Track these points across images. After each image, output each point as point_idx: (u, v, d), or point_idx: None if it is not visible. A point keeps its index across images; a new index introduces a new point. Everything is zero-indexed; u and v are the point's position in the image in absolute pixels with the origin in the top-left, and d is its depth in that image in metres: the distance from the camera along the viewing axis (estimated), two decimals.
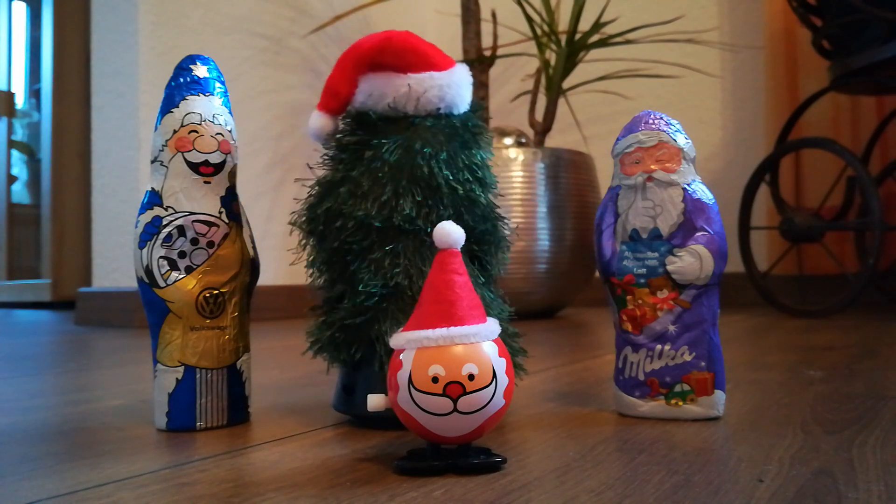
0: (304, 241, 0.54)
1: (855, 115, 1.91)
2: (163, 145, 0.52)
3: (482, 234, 0.53)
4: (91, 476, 0.41)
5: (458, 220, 0.50)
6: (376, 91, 0.52)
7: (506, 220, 0.56)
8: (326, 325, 0.52)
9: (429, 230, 0.49)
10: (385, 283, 0.49)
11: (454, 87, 0.52)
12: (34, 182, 3.09)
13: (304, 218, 0.53)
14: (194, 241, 0.52)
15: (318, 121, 0.54)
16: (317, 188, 0.53)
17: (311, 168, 0.55)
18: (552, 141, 1.97)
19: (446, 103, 0.52)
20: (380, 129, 0.52)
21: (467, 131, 0.53)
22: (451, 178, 0.51)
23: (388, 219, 0.50)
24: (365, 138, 0.52)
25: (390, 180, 0.50)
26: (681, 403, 0.52)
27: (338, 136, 0.53)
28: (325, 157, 0.54)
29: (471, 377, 0.38)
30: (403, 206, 0.49)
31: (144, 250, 0.52)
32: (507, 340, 0.52)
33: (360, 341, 0.50)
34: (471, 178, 0.52)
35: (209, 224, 0.52)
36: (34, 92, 3.18)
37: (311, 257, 0.54)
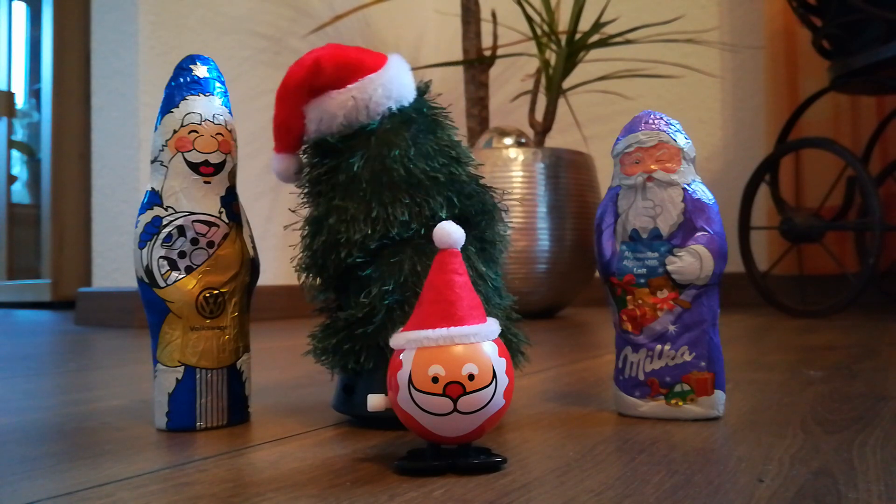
0: (309, 280, 0.53)
1: (855, 115, 1.92)
2: (163, 145, 0.52)
3: (475, 212, 0.53)
4: (91, 476, 0.41)
5: (451, 207, 0.50)
6: (325, 114, 0.51)
7: (494, 190, 0.55)
8: (332, 332, 0.52)
9: (423, 231, 0.49)
10: (394, 288, 0.49)
11: (395, 80, 0.52)
12: (34, 182, 3.09)
13: (304, 262, 0.53)
14: (194, 241, 0.52)
15: (281, 163, 0.53)
16: (306, 228, 0.53)
17: (293, 211, 0.55)
18: (552, 141, 1.97)
19: (394, 99, 0.51)
20: (341, 149, 0.51)
21: (424, 117, 0.53)
22: (427, 168, 0.50)
23: (384, 234, 0.49)
24: (332, 164, 0.51)
25: (373, 195, 0.50)
26: (681, 403, 0.52)
27: (305, 172, 0.53)
28: (303, 196, 0.54)
29: (471, 377, 0.38)
30: (395, 215, 0.49)
31: (144, 250, 0.52)
32: (509, 327, 0.52)
33: (369, 348, 0.50)
34: (446, 161, 0.51)
35: (209, 224, 0.52)
36: (34, 92, 3.18)
37: (319, 286, 0.53)
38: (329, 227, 0.51)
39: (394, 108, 0.51)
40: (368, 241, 0.49)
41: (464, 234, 0.41)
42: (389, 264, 0.49)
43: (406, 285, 0.49)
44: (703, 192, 0.53)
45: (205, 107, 0.53)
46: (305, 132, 0.52)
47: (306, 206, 0.54)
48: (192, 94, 0.53)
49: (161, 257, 0.51)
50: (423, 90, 0.54)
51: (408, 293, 0.49)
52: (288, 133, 0.52)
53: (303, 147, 0.54)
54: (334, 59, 0.51)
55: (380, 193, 0.50)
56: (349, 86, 0.51)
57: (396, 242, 0.50)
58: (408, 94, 0.52)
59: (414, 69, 0.56)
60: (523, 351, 0.55)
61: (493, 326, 0.40)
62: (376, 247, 0.50)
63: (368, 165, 0.50)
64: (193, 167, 0.52)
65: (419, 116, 0.52)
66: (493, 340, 0.40)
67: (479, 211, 0.53)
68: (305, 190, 0.54)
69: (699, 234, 0.52)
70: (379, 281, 0.49)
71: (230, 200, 0.54)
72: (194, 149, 0.52)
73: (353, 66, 0.51)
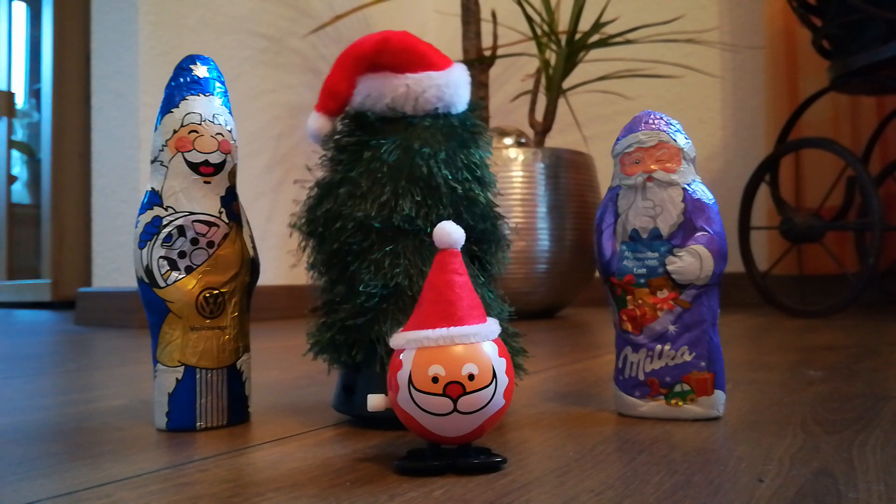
0: (303, 244, 0.54)
1: (855, 115, 1.91)
2: (163, 145, 0.52)
3: (482, 234, 0.53)
4: (91, 476, 0.41)
5: (458, 220, 0.50)
6: (374, 91, 0.52)
7: (505, 220, 0.56)
8: (326, 327, 0.52)
9: (428, 230, 0.49)
10: (385, 283, 0.49)
11: (452, 86, 0.52)
12: (34, 182, 3.09)
13: (303, 220, 0.53)
14: (194, 241, 0.52)
15: (317, 121, 0.53)
16: (315, 190, 0.53)
17: (309, 169, 0.55)
18: (552, 141, 1.97)
19: (444, 103, 0.52)
20: (378, 129, 0.51)
21: (466, 130, 0.53)
22: (449, 177, 0.51)
23: (387, 219, 0.50)
24: (363, 139, 0.52)
25: (389, 180, 0.50)
26: (681, 403, 0.52)
27: (336, 136, 0.53)
28: (324, 159, 0.54)
29: (471, 377, 0.38)
30: (403, 207, 0.49)
31: (144, 250, 0.52)
32: (507, 340, 0.52)
33: (360, 342, 0.50)
34: (469, 178, 0.52)
35: (209, 224, 0.52)
36: (34, 92, 3.18)
37: (311, 259, 0.54)
38: (338, 195, 0.51)
39: (441, 110, 0.52)
40: (369, 221, 0.49)
41: (464, 234, 0.41)
42: (385, 253, 0.49)
43: (398, 278, 0.49)
44: (703, 192, 0.53)
45: (205, 107, 0.53)
46: (351, 101, 0.53)
47: (323, 169, 0.54)
48: (192, 94, 0.53)
49: (161, 257, 0.51)
50: (473, 107, 0.55)
51: (401, 287, 0.49)
52: (334, 96, 0.53)
53: (342, 116, 0.54)
54: (403, 43, 0.52)
55: (396, 182, 0.50)
56: (408, 73, 0.51)
57: (396, 233, 0.50)
58: (458, 104, 0.53)
59: None
60: (521, 364, 0.55)
61: (493, 326, 0.40)
62: (377, 233, 0.50)
63: (396, 152, 0.50)
64: (193, 167, 0.52)
65: (461, 128, 0.53)
66: (493, 340, 0.40)
67: (485, 234, 0.53)
68: (329, 155, 0.54)
69: (699, 234, 0.52)
70: (368, 273, 0.49)
71: (230, 200, 0.54)
72: (194, 149, 0.52)
73: (418, 56, 0.52)
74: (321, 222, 0.52)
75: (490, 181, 0.54)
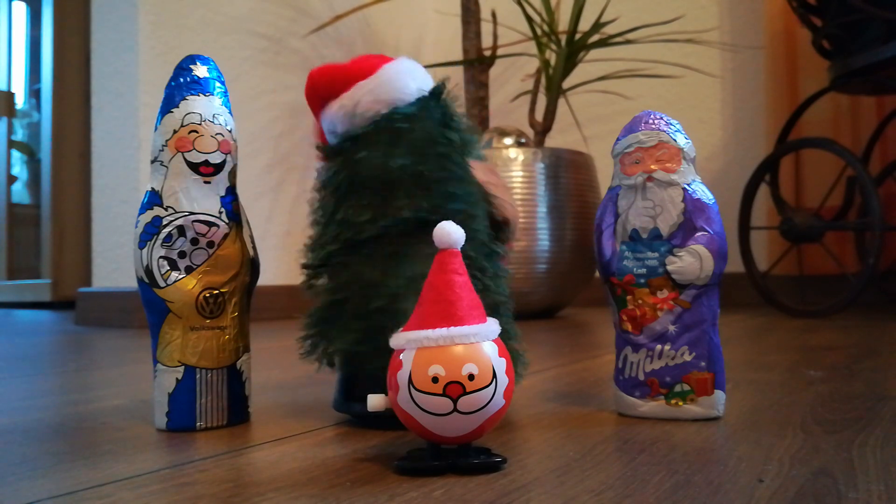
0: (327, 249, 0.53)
1: (855, 115, 1.91)
2: (163, 145, 0.52)
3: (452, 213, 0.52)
4: (91, 476, 0.41)
5: (417, 206, 0.50)
6: (327, 125, 0.54)
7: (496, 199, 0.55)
8: (308, 324, 0.53)
9: (390, 228, 0.50)
10: (338, 288, 0.50)
11: (386, 83, 0.52)
12: (34, 182, 3.09)
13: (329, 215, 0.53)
14: (194, 241, 0.52)
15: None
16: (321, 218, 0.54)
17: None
18: (552, 141, 1.97)
19: (385, 102, 0.51)
20: (343, 152, 0.52)
21: (429, 114, 0.52)
22: (407, 164, 0.51)
23: (347, 242, 0.51)
24: (334, 167, 0.53)
25: (352, 196, 0.51)
26: (681, 403, 0.52)
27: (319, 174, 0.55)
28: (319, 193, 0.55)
29: (471, 377, 0.38)
30: (357, 219, 0.50)
31: (144, 250, 0.52)
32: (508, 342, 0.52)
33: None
34: (447, 155, 0.52)
35: (209, 224, 0.52)
36: (34, 92, 3.18)
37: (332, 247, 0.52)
38: (337, 221, 0.52)
39: (383, 110, 0.51)
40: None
41: (464, 234, 0.41)
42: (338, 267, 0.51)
43: (349, 286, 0.50)
44: (703, 192, 0.53)
45: (205, 107, 0.53)
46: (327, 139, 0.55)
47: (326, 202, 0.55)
48: (192, 94, 0.53)
49: (161, 257, 0.51)
50: (438, 89, 0.54)
51: (348, 293, 0.50)
52: (320, 137, 0.56)
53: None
54: (324, 72, 0.54)
55: (358, 195, 0.51)
56: (342, 94, 0.52)
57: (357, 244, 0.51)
58: (405, 96, 0.52)
59: None
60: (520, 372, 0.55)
61: (493, 326, 0.40)
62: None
63: (346, 169, 0.51)
64: (193, 167, 0.52)
65: (422, 114, 0.52)
66: (493, 340, 0.40)
67: (454, 211, 0.52)
68: (321, 190, 0.55)
69: (699, 234, 0.52)
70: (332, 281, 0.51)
71: (230, 200, 0.54)
72: (194, 149, 0.52)
73: (342, 76, 0.53)
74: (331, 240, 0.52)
75: (469, 143, 0.53)
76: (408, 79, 0.53)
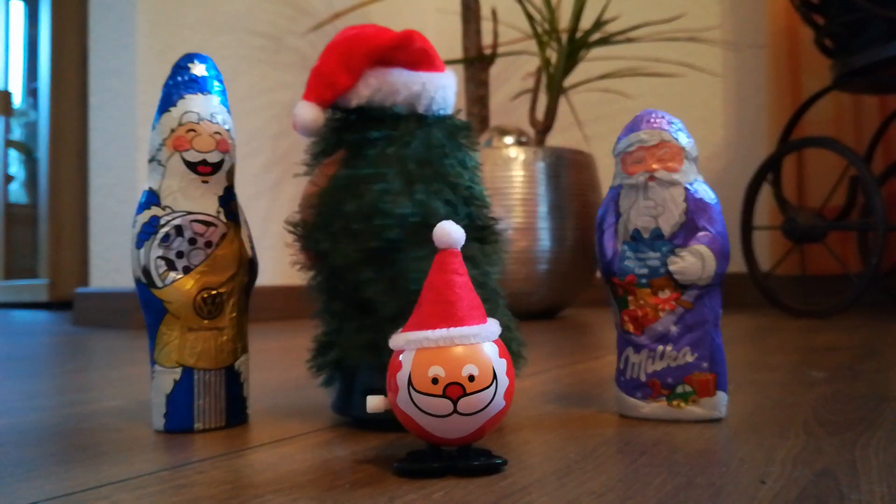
0: (321, 245, 0.50)
1: (857, 114, 1.91)
2: (160, 144, 0.52)
3: (483, 230, 0.53)
4: (89, 477, 0.40)
5: (470, 220, 0.51)
6: (386, 87, 0.50)
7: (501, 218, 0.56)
8: (361, 329, 0.49)
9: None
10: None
11: (450, 89, 0.53)
12: (31, 181, 3.08)
13: (322, 217, 0.50)
14: (192, 241, 0.52)
15: (310, 112, 0.51)
16: (336, 183, 0.50)
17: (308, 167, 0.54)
18: (553, 140, 1.97)
19: (447, 104, 0.53)
20: (389, 125, 0.50)
21: (459, 133, 0.53)
22: (465, 177, 0.51)
23: (425, 218, 0.48)
24: (388, 133, 0.50)
25: (420, 179, 0.49)
26: (683, 405, 0.52)
27: (333, 128, 0.52)
28: (316, 151, 0.53)
29: (471, 378, 0.37)
30: (438, 208, 0.49)
31: (142, 250, 0.51)
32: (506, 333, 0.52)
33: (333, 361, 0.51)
34: (475, 180, 0.52)
35: (207, 224, 0.52)
36: (31, 91, 3.18)
37: (342, 258, 0.50)
38: (368, 191, 0.48)
39: (441, 112, 0.52)
40: (412, 218, 0.48)
41: (464, 234, 0.41)
42: (423, 255, 0.48)
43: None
44: (705, 192, 0.52)
45: (203, 106, 0.52)
46: (348, 94, 0.51)
47: (318, 163, 0.52)
48: (189, 93, 0.52)
49: (159, 257, 0.51)
50: (456, 112, 0.54)
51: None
52: (330, 87, 0.50)
53: (336, 107, 0.52)
54: (424, 42, 0.51)
55: (429, 181, 0.49)
56: (421, 72, 0.51)
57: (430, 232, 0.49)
58: (450, 107, 0.53)
59: None
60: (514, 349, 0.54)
61: (493, 327, 0.40)
62: (413, 230, 0.48)
63: (419, 150, 0.50)
64: (191, 166, 0.52)
65: (453, 130, 0.53)
66: (494, 341, 0.39)
67: (486, 228, 0.53)
68: (321, 147, 0.52)
69: (701, 233, 0.51)
70: (416, 271, 0.47)
71: (228, 200, 0.54)
72: (192, 148, 0.52)
73: (430, 57, 0.52)
74: (354, 219, 0.48)
75: (480, 186, 0.54)
76: (453, 94, 0.54)
